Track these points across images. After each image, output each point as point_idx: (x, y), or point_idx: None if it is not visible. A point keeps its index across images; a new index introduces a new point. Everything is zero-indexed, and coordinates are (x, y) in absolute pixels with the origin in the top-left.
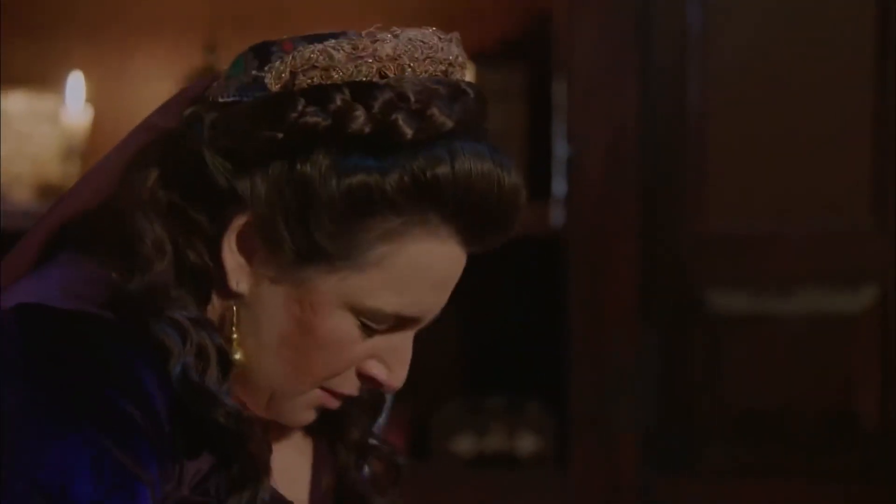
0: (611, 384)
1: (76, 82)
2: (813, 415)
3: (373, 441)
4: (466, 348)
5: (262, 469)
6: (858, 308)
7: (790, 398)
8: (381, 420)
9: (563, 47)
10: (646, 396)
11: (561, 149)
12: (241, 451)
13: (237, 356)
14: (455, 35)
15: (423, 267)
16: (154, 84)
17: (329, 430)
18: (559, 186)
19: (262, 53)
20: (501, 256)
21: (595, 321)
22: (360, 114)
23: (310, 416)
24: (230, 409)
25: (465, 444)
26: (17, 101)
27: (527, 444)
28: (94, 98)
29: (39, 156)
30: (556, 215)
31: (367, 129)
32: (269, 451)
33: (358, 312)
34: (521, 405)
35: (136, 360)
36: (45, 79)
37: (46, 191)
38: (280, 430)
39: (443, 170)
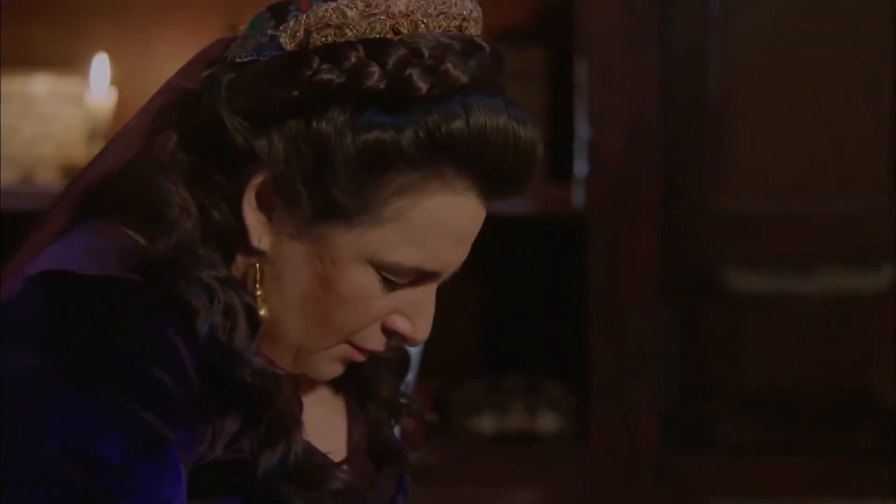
0: (630, 362)
1: (101, 64)
2: (830, 393)
3: (402, 399)
4: (487, 327)
5: (292, 425)
6: (876, 287)
7: (808, 376)
8: (409, 380)
9: (583, 28)
10: (665, 374)
11: (582, 129)
12: (270, 408)
13: (262, 312)
14: None
15: (440, 221)
16: (177, 66)
17: (358, 387)
18: (580, 167)
19: (279, 12)
20: (523, 236)
21: (615, 300)
22: (375, 70)
23: (337, 370)
24: (255, 367)
25: (486, 423)
26: (42, 84)
27: (547, 422)
28: (118, 80)
29: (64, 137)
30: (577, 195)
31: (381, 86)
32: (300, 406)
33: (378, 267)
34: (542, 384)
35: (164, 322)
36: (69, 61)
37: (71, 172)
38: (311, 388)
39: (457, 124)
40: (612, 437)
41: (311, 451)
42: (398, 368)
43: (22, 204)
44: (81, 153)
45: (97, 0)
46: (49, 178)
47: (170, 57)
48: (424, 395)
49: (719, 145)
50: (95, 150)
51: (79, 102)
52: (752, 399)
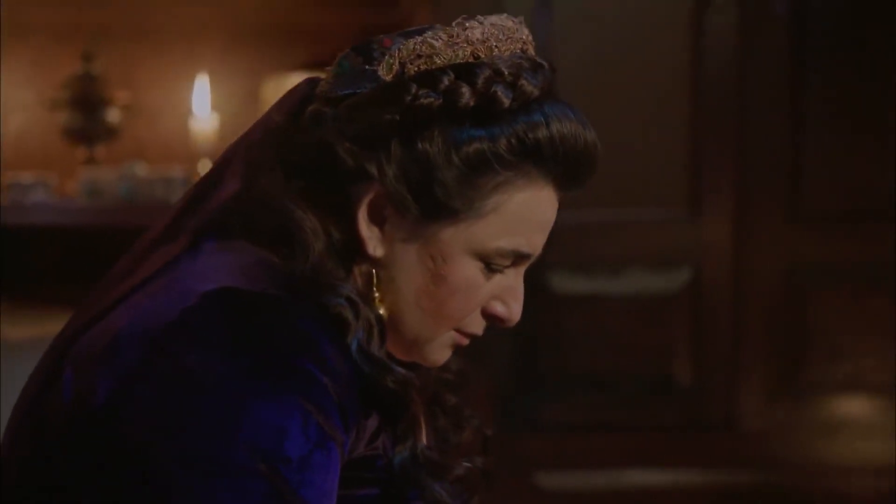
0: (468, 354)
1: None
2: (638, 377)
3: (467, 412)
4: None
5: (419, 425)
6: (675, 287)
7: (619, 364)
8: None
9: None
10: (499, 365)
11: None
12: (405, 411)
13: (381, 311)
14: (521, 18)
15: (529, 210)
16: (27, 82)
17: (429, 397)
18: None
19: (365, 51)
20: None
21: None
22: (466, 90)
23: (447, 354)
24: (398, 375)
25: None
26: None
27: None
28: None
29: None
30: None
31: (471, 103)
32: (421, 408)
33: (481, 255)
34: None
35: (320, 334)
36: None
37: None
38: None
39: (542, 132)
40: None
41: (426, 445)
42: (457, 385)
43: None
44: None
45: None
46: None
47: (22, 80)
48: None
49: None
50: None
51: None
52: (573, 385)
